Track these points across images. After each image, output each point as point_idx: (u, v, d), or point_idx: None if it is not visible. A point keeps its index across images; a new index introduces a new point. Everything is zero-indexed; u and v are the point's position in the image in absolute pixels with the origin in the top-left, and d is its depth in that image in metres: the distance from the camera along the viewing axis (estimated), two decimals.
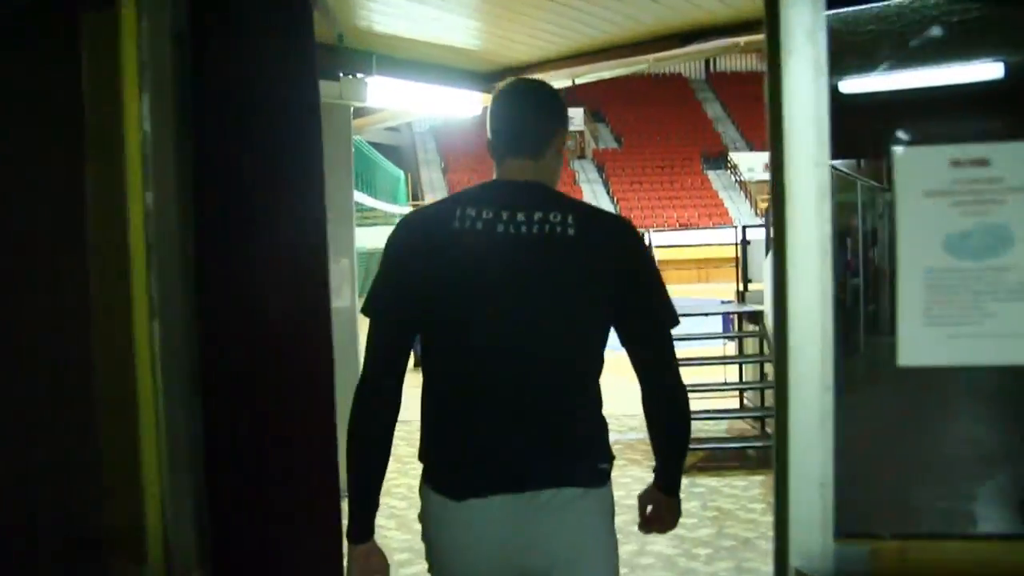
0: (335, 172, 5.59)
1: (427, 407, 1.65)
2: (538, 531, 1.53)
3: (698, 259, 26.84)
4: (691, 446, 1.86)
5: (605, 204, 36.55)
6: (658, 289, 1.65)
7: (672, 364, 1.66)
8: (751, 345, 7.54)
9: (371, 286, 1.63)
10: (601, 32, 5.09)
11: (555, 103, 1.71)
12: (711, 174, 38.16)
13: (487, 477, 1.55)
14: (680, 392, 1.66)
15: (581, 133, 43.17)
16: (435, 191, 37.62)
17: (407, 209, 34.98)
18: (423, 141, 42.58)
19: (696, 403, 2.04)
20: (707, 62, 48.05)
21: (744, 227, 7.95)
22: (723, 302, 9.59)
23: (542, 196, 1.63)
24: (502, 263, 1.56)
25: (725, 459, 6.12)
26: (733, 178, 37.78)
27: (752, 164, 38.14)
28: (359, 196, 28.71)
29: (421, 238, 1.61)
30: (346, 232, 5.39)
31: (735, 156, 38.66)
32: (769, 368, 6.84)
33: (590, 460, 1.61)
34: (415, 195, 37.33)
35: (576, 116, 42.91)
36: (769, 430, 6.49)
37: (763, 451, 6.22)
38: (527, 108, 1.69)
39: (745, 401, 7.62)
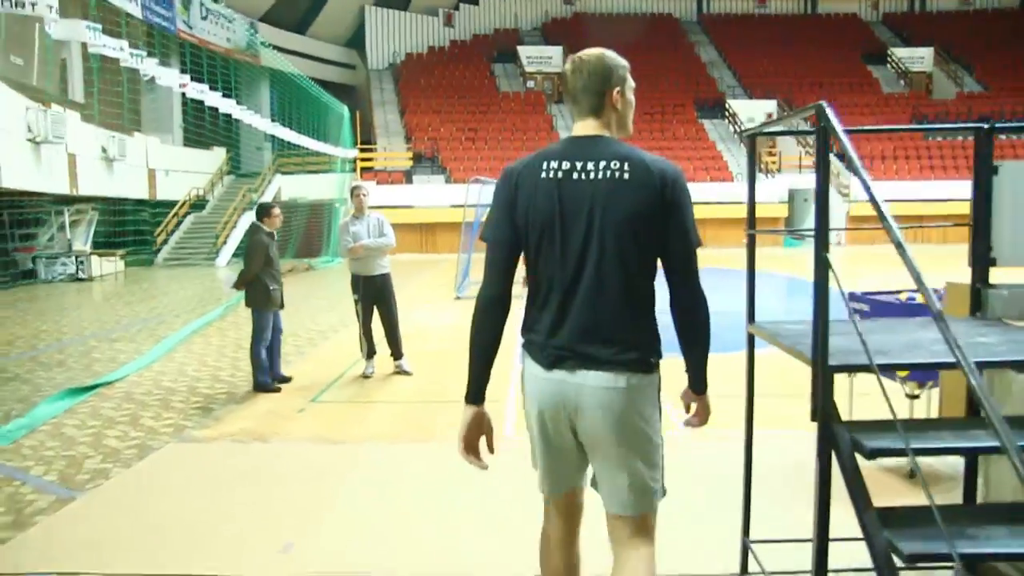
0: None
1: (529, 301, 2.30)
2: (598, 401, 2.17)
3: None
4: None
5: None
6: (688, 219, 2.19)
7: (692, 275, 2.21)
8: None
9: (486, 220, 2.29)
10: None
11: (603, 69, 2.24)
12: (706, 123, 33.58)
13: (566, 357, 2.18)
14: (698, 296, 2.22)
15: (559, 75, 38.35)
16: (390, 135, 32.59)
17: (353, 153, 30.17)
18: (380, 80, 37.36)
19: None
20: (699, 1, 43.34)
21: (992, 126, 3.34)
22: (897, 298, 5.01)
23: (605, 149, 2.20)
24: (576, 201, 2.16)
25: None
26: (732, 128, 33.23)
27: (752, 113, 33.61)
28: (301, 139, 23.75)
29: (519, 185, 2.22)
30: None
31: (733, 104, 34.08)
32: None
33: (641, 352, 2.19)
34: (366, 139, 32.23)
35: (555, 56, 38.16)
36: None
37: None
38: (579, 80, 2.24)
39: None
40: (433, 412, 6.10)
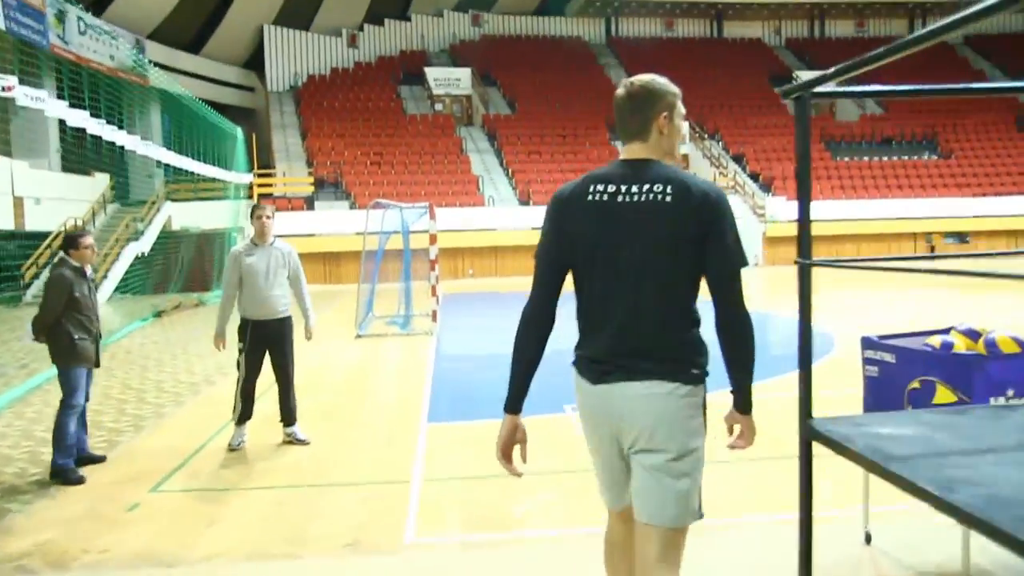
0: None
1: (578, 320, 2.38)
2: (636, 407, 2.23)
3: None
4: None
5: (497, 176, 30.77)
6: (729, 239, 2.22)
7: (735, 295, 2.24)
8: None
9: (540, 238, 2.38)
10: None
11: (650, 94, 2.30)
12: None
13: (610, 371, 2.26)
14: (741, 316, 2.26)
15: (468, 98, 37.27)
16: (291, 160, 30.70)
17: (248, 178, 28.17)
18: (280, 102, 35.39)
19: None
20: (607, 23, 43.05)
21: None
22: (927, 344, 3.77)
23: (649, 172, 2.26)
24: (620, 223, 2.24)
25: None
26: None
27: None
28: (191, 163, 21.68)
29: (567, 206, 2.32)
30: None
31: None
32: None
33: (685, 364, 2.24)
34: (265, 164, 30.19)
35: (463, 78, 37.00)
36: None
37: None
38: (625, 105, 2.33)
39: None
40: (316, 504, 4.60)
